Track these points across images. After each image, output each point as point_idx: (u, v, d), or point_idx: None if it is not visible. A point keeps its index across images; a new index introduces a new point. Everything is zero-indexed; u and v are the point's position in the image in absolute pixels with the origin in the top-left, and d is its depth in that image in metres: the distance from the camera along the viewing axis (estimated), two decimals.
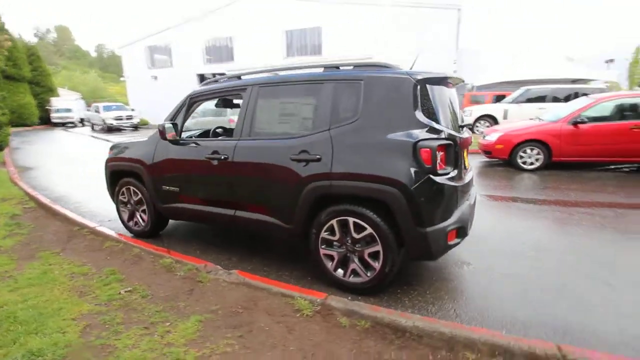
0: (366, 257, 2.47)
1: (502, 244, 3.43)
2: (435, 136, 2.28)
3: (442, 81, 2.48)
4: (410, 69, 2.61)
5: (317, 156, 2.50)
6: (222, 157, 2.94)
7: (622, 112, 6.24)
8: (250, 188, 2.89)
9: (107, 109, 20.45)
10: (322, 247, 2.63)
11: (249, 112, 2.90)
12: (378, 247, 2.40)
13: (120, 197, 3.85)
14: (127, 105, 24.38)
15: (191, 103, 3.34)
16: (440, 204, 2.31)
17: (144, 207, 3.67)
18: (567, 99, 10.19)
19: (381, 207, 2.36)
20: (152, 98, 23.94)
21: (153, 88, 24.44)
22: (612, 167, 6.81)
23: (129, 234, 3.81)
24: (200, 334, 2.06)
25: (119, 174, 3.82)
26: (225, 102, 3.67)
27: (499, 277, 2.79)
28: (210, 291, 2.55)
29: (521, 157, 6.77)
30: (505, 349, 1.82)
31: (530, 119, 7.85)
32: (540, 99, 10.97)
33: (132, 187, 3.71)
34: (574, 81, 15.65)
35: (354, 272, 2.55)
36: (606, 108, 6.30)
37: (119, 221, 3.94)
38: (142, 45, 24.84)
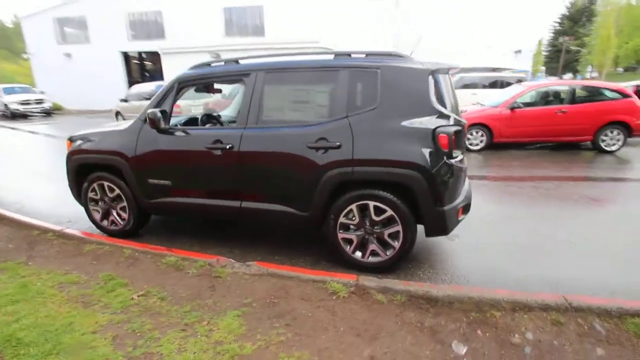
0: (386, 237, 2.63)
1: (474, 217, 3.87)
2: (450, 123, 2.48)
3: (447, 71, 2.68)
4: (410, 55, 2.75)
5: (337, 143, 2.54)
6: (227, 147, 2.79)
7: (549, 98, 7.32)
8: (260, 178, 2.81)
9: (8, 91, 17.25)
10: (340, 231, 2.72)
11: (255, 99, 2.79)
12: (398, 227, 2.57)
13: (90, 195, 3.42)
14: (33, 88, 20.82)
15: (180, 88, 3.07)
16: (454, 184, 2.56)
17: (123, 203, 3.32)
18: (492, 85, 11.54)
19: (400, 190, 2.52)
20: (67, 79, 20.86)
21: (67, 68, 21.26)
22: (538, 145, 7.98)
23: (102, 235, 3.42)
24: (247, 328, 2.03)
25: (87, 168, 3.37)
26: (207, 88, 3.44)
27: (486, 246, 3.19)
28: (234, 285, 2.48)
29: (468, 139, 7.54)
30: (524, 304, 2.15)
31: (473, 104, 8.73)
32: (473, 85, 12.19)
33: (106, 183, 3.31)
34: (494, 69, 17.62)
35: (373, 253, 2.70)
36: (537, 95, 7.32)
37: (83, 222, 3.52)
38: (49, 17, 21.26)
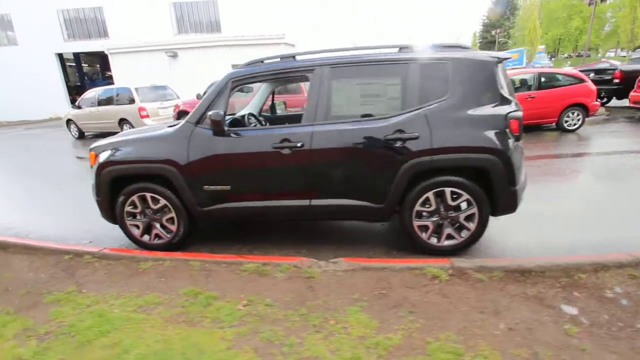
0: (461, 220, 2.78)
1: None
2: (514, 108, 2.69)
3: (504, 60, 2.88)
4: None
5: (416, 134, 2.63)
6: (298, 145, 2.74)
7: (517, 85, 8.06)
8: (333, 175, 2.80)
9: None
10: (416, 219, 2.82)
11: (322, 95, 2.76)
12: (474, 210, 2.74)
13: (128, 209, 3.13)
14: None
15: (233, 87, 2.92)
16: (521, 164, 2.78)
17: (171, 214, 3.09)
18: None
19: (474, 174, 2.69)
20: None
21: None
22: None
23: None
24: (378, 321, 2.05)
25: (124, 181, 3.08)
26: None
27: (536, 218, 3.48)
28: (333, 283, 2.47)
29: None
30: (603, 264, 2.44)
31: None
32: None
33: (149, 194, 3.06)
34: None
35: (449, 236, 2.84)
36: None
37: (107, 240, 3.35)
38: None
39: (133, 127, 10.70)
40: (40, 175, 7.05)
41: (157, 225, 3.17)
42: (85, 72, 24.74)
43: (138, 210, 3.14)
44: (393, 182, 2.71)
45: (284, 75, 2.91)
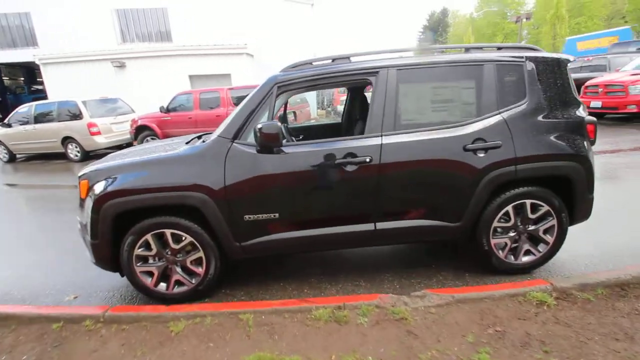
0: (540, 234, 2.56)
1: None
2: (586, 112, 2.55)
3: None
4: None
5: (497, 142, 2.36)
6: (367, 161, 2.31)
7: None
8: (404, 192, 2.42)
9: None
10: (493, 237, 2.54)
11: (389, 101, 2.38)
12: (553, 222, 2.53)
13: (138, 252, 2.43)
14: None
15: (279, 93, 2.42)
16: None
17: (198, 254, 2.46)
18: None
19: (553, 183, 2.48)
20: None
21: None
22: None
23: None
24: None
25: (134, 215, 2.38)
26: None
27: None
28: (433, 324, 2.05)
29: None
30: None
31: None
32: None
33: (169, 231, 2.40)
34: None
35: (527, 252, 2.60)
36: None
37: (97, 295, 2.70)
38: None
39: (81, 146, 9.31)
40: None
41: (178, 269, 2.50)
42: (6, 86, 21.50)
43: (152, 253, 2.44)
44: (473, 196, 2.40)
45: (341, 79, 2.46)
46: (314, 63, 2.50)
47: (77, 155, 9.49)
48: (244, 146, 2.35)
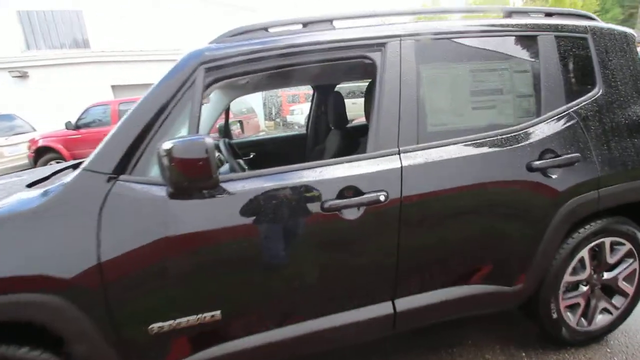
0: (619, 283, 1.74)
1: None
2: None
3: None
4: None
5: (575, 155, 1.49)
6: (380, 199, 1.28)
7: None
8: (443, 243, 1.43)
9: None
10: (565, 296, 1.67)
11: (406, 94, 1.39)
12: (635, 265, 1.74)
13: None
14: None
15: (209, 84, 1.28)
16: None
17: None
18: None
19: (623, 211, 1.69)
20: None
21: None
22: None
23: None
24: None
25: None
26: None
27: None
28: None
29: None
30: None
31: None
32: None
33: None
34: None
35: (603, 311, 1.77)
36: None
37: None
38: None
39: None
40: None
41: None
42: None
43: None
44: (542, 241, 1.50)
45: (319, 58, 1.38)
46: (271, 29, 1.41)
47: None
48: (140, 185, 1.18)
